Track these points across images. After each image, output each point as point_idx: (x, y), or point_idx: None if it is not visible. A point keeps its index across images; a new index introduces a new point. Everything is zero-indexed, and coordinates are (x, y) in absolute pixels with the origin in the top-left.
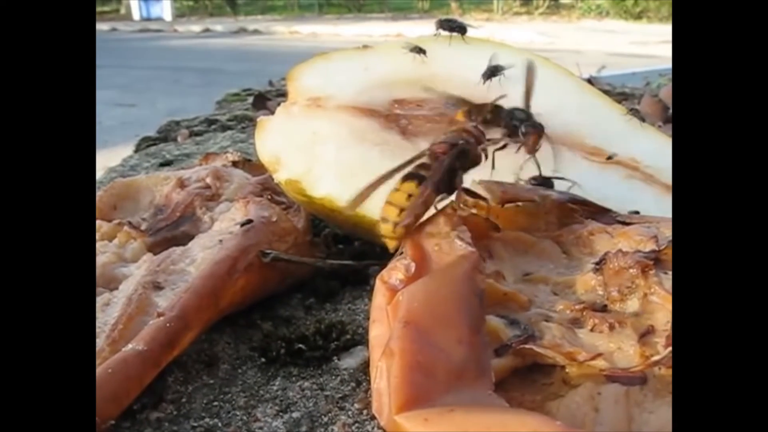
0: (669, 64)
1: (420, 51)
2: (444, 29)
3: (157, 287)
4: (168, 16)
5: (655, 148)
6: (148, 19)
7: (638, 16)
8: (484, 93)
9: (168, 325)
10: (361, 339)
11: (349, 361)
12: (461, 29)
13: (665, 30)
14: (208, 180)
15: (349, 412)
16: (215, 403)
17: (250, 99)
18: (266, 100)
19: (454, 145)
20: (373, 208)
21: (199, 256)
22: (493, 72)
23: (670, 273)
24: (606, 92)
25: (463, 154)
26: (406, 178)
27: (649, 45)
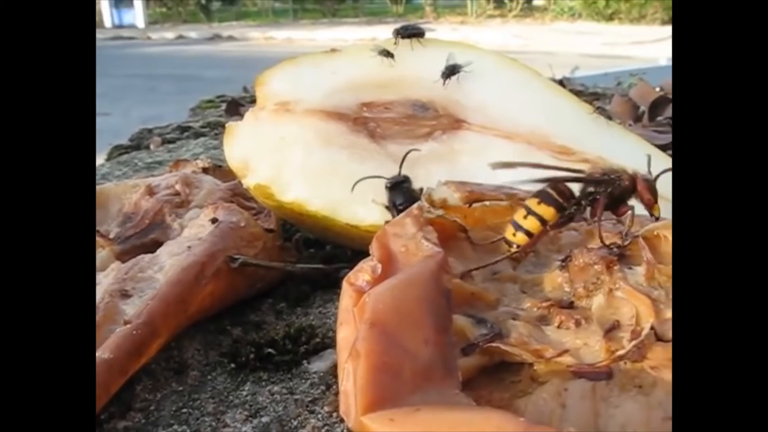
0: (639, 65)
1: (387, 54)
2: (402, 37)
3: (125, 295)
4: (141, 23)
5: (621, 146)
6: (121, 27)
7: (610, 18)
8: (452, 94)
9: (134, 332)
10: (331, 342)
11: (318, 365)
12: (419, 34)
13: (636, 31)
14: (178, 187)
15: (319, 415)
16: (184, 410)
17: (225, 105)
18: (239, 106)
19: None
20: (343, 213)
21: (167, 263)
22: (451, 71)
23: (635, 268)
24: (578, 92)
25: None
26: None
27: (620, 46)
